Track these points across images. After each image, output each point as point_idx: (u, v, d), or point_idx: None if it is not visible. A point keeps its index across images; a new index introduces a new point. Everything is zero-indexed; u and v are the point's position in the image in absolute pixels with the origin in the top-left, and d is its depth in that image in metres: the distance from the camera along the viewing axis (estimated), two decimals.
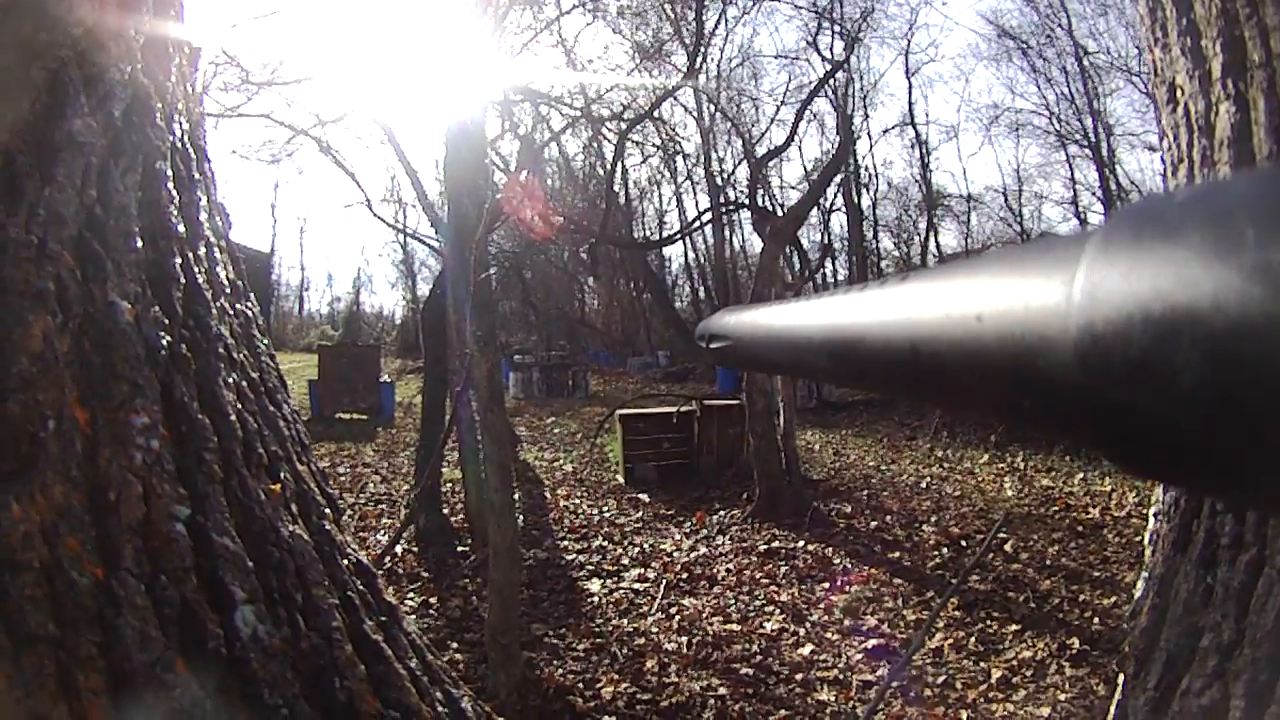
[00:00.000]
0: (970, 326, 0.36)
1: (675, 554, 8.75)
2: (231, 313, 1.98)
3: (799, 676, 5.71)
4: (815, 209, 28.89)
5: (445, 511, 9.72)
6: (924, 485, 11.57)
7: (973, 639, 6.15)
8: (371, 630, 1.81)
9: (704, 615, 6.86)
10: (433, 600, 7.28)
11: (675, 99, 26.69)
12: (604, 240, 14.52)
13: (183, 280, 1.78)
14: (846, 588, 7.47)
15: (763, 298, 10.20)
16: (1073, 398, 0.31)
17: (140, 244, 1.68)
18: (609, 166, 25.48)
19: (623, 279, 41.27)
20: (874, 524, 9.63)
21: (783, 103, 34.54)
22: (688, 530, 9.74)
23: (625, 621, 6.78)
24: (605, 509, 10.91)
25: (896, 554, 8.52)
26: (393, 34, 13.22)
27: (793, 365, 0.68)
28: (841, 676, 5.71)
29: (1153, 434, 0.29)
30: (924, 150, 37.32)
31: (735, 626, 6.60)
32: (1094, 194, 33.64)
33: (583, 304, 45.16)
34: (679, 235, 26.48)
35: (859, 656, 6.02)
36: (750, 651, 6.09)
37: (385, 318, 55.61)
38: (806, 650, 6.11)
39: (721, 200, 31.94)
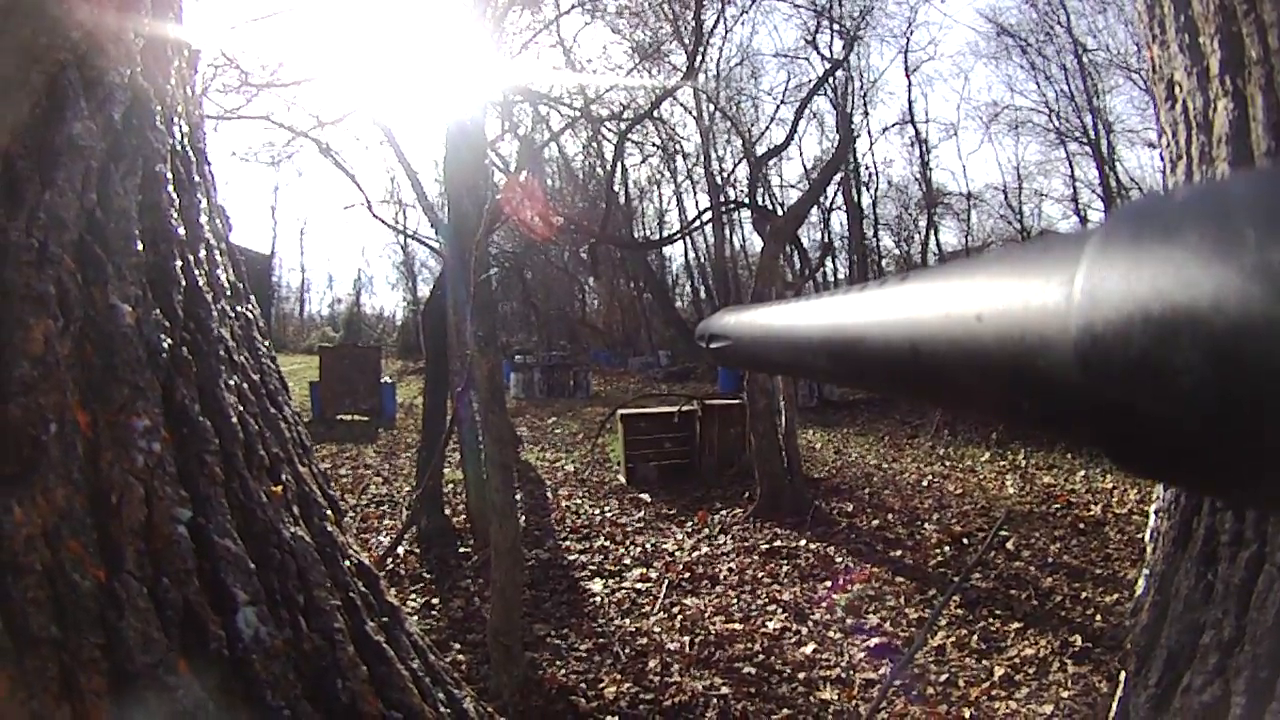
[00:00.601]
0: (970, 326, 0.36)
1: (677, 553, 8.75)
2: (232, 315, 1.98)
3: (801, 675, 5.71)
4: (815, 208, 28.91)
5: (447, 512, 9.72)
6: (925, 483, 11.57)
7: (975, 637, 6.15)
8: (373, 631, 1.81)
9: (706, 614, 6.87)
10: (435, 601, 7.29)
11: (675, 98, 26.69)
12: (604, 240, 14.54)
13: (183, 283, 1.78)
14: (848, 586, 7.47)
15: (763, 297, 10.21)
16: (1073, 398, 0.31)
17: (141, 247, 1.69)
18: (609, 166, 25.47)
19: (623, 279, 41.28)
20: (876, 522, 9.64)
21: (782, 101, 34.57)
22: (689, 530, 9.74)
23: (628, 621, 6.78)
24: (607, 509, 10.91)
25: (898, 552, 8.51)
26: (392, 35, 13.24)
27: (793, 365, 0.68)
28: (844, 675, 5.71)
29: (1153, 434, 0.29)
30: (924, 148, 37.31)
31: (737, 626, 6.60)
32: (1094, 191, 33.65)
33: (583, 304, 45.17)
34: (679, 235, 26.50)
35: (861, 655, 6.02)
36: (753, 650, 6.09)
37: (386, 319, 55.61)
38: (809, 649, 6.12)
39: (721, 199, 31.93)
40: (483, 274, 5.74)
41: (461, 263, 6.98)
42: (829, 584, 7.57)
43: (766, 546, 8.81)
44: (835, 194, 35.43)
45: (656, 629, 6.56)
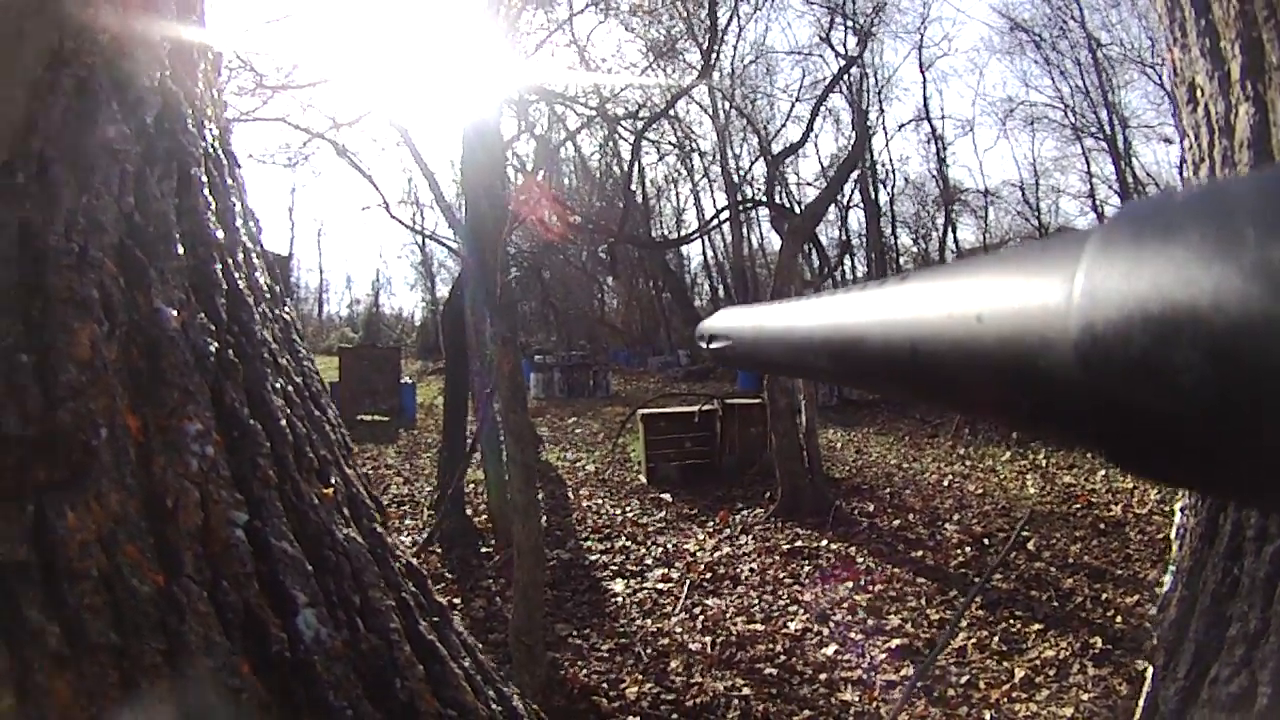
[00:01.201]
0: (970, 326, 0.36)
1: (698, 554, 8.76)
2: (272, 317, 1.98)
3: (823, 676, 5.71)
4: (833, 205, 28.89)
5: (468, 512, 9.74)
6: (946, 483, 11.53)
7: (996, 638, 6.13)
8: (426, 631, 1.82)
9: (728, 615, 6.87)
10: (456, 601, 7.31)
11: (690, 97, 26.64)
12: (622, 240, 14.56)
13: (225, 286, 1.79)
14: (870, 587, 7.45)
15: (782, 296, 10.17)
16: (1073, 398, 0.31)
17: (181, 251, 1.69)
18: (626, 165, 25.44)
19: (642, 278, 41.28)
20: (896, 523, 9.62)
21: (797, 99, 34.46)
22: (710, 530, 9.74)
23: (649, 621, 6.79)
24: (628, 509, 10.93)
25: (919, 553, 8.50)
26: (408, 36, 13.25)
27: (792, 365, 0.68)
28: (865, 676, 5.70)
29: (1153, 434, 0.29)
30: (940, 145, 37.27)
31: (759, 626, 6.60)
32: (1110, 187, 33.58)
33: (602, 303, 45.19)
34: (697, 234, 26.47)
35: (883, 656, 6.01)
36: (774, 651, 6.09)
37: (405, 319, 55.70)
38: (830, 650, 6.11)
39: (739, 198, 31.88)
40: (504, 276, 5.76)
41: (480, 263, 7.00)
42: (850, 584, 7.56)
43: (787, 546, 8.81)
44: (852, 192, 35.45)
45: (678, 629, 6.57)
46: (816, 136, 36.85)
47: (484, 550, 8.87)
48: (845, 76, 27.87)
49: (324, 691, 1.52)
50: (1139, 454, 0.30)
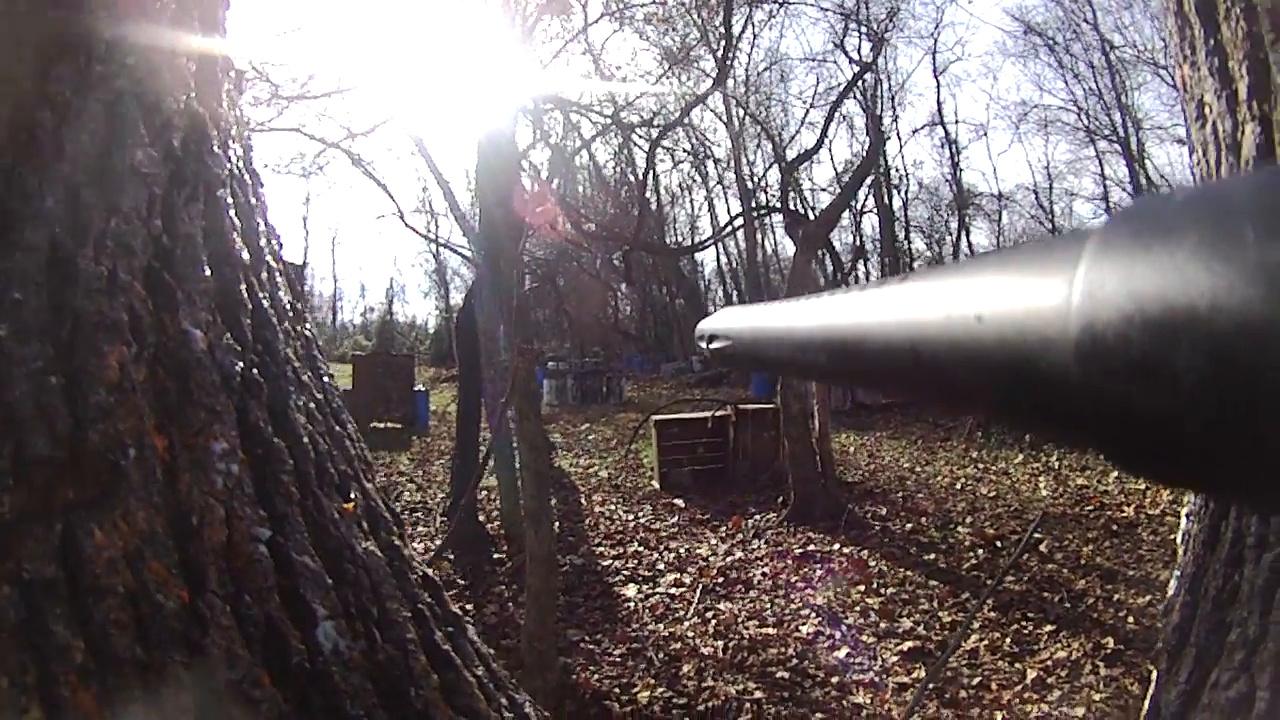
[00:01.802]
0: (970, 327, 0.37)
1: (711, 558, 8.75)
2: (294, 335, 2.00)
3: (835, 680, 5.70)
4: (847, 211, 28.83)
5: (480, 519, 9.75)
6: (959, 486, 11.51)
7: (1008, 640, 6.12)
8: (441, 640, 1.82)
9: (740, 619, 6.86)
10: (469, 607, 7.32)
11: (705, 104, 26.67)
12: (638, 247, 14.56)
13: (250, 306, 1.80)
14: (882, 590, 7.44)
15: None
16: (1073, 398, 0.31)
17: (208, 272, 1.71)
18: (640, 174, 25.49)
19: (656, 285, 41.34)
20: (909, 526, 9.59)
21: (811, 105, 34.54)
22: (723, 535, 9.73)
23: (661, 626, 6.79)
24: (641, 514, 10.92)
25: (932, 555, 8.48)
26: (423, 46, 13.30)
27: (792, 365, 0.68)
28: (877, 679, 5.69)
29: (1153, 435, 0.29)
30: (954, 149, 37.17)
31: (771, 630, 6.59)
32: (1124, 189, 33.43)
33: (616, 310, 45.20)
34: (711, 241, 26.54)
35: (895, 659, 6.00)
36: (786, 655, 6.08)
37: (419, 327, 55.67)
38: (842, 653, 6.10)
39: (753, 204, 31.91)
40: (520, 286, 5.77)
41: (494, 270, 7.02)
42: (862, 588, 7.55)
43: (800, 551, 8.80)
44: (866, 197, 35.36)
45: (690, 634, 6.57)
46: (830, 142, 36.72)
47: (496, 557, 8.89)
48: (859, 82, 27.88)
49: (341, 701, 1.53)
50: (1139, 455, 0.30)
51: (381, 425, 19.11)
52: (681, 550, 9.11)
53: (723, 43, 13.64)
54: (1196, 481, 0.30)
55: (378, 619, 1.70)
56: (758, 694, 5.46)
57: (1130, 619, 6.38)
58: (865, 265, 37.89)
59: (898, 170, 37.71)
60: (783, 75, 37.40)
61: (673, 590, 7.76)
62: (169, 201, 1.69)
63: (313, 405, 1.89)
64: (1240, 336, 0.24)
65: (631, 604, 7.42)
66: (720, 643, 6.33)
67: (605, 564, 8.67)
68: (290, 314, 2.03)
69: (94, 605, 1.32)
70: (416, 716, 1.65)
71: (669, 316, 41.91)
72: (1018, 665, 5.73)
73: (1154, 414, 0.28)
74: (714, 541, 9.45)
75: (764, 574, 8.13)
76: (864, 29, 29.08)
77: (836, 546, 8.86)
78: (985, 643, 6.10)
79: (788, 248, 24.67)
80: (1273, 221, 0.25)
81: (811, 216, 17.09)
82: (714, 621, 6.82)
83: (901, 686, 5.56)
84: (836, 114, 23.30)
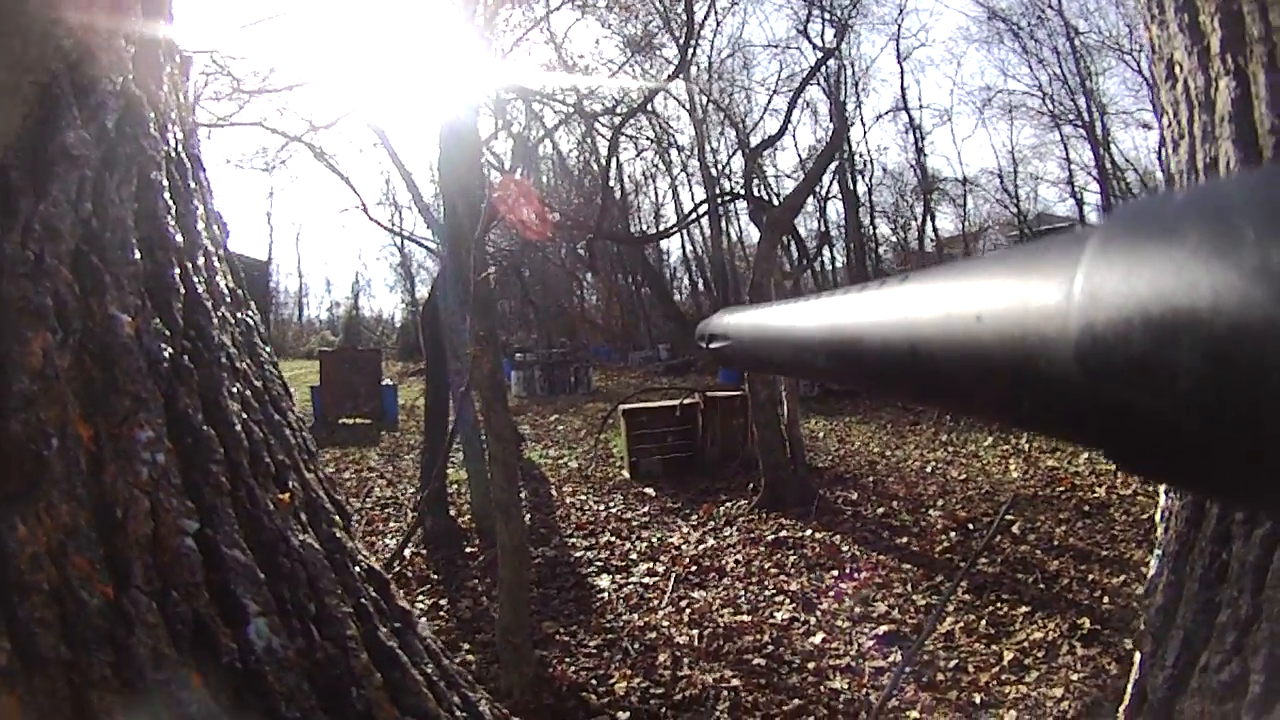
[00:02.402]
0: (970, 327, 0.36)
1: (683, 547, 8.75)
2: (233, 321, 1.96)
3: (811, 665, 5.72)
4: (811, 197, 28.92)
5: (451, 513, 9.72)
6: (929, 470, 11.57)
7: (983, 622, 6.16)
8: (386, 637, 1.80)
9: (714, 607, 6.88)
10: (442, 602, 7.30)
11: (667, 91, 26.67)
12: (601, 236, 14.52)
13: (182, 291, 1.77)
14: (855, 575, 7.47)
15: (761, 288, 10.22)
16: (1073, 398, 0.31)
17: (138, 256, 1.67)
18: (604, 162, 25.43)
19: (621, 274, 41.29)
20: (880, 510, 9.64)
21: (775, 92, 34.66)
22: (695, 523, 9.74)
23: (636, 616, 6.79)
24: (612, 504, 10.91)
25: (904, 539, 8.53)
26: (383, 37, 13.23)
27: (793, 365, 0.68)
28: (853, 664, 5.72)
29: (1152, 434, 0.29)
30: (918, 135, 37.46)
31: (746, 617, 6.61)
32: (1089, 173, 33.80)
33: (582, 300, 45.14)
34: (676, 229, 26.61)
35: (870, 643, 6.02)
36: (761, 642, 6.10)
37: (385, 321, 55.45)
38: (818, 639, 6.13)
39: (717, 191, 31.94)
40: (481, 273, 5.74)
41: (458, 262, 6.99)
42: (836, 573, 7.58)
43: (772, 537, 8.82)
44: (831, 183, 35.47)
45: (665, 623, 6.57)
46: (794, 129, 36.78)
47: (469, 550, 8.85)
48: (822, 68, 27.98)
49: (276, 702, 1.50)
50: (1138, 454, 0.31)
51: (350, 421, 19.00)
52: (654, 539, 9.11)
53: (685, 30, 13.62)
54: (1196, 482, 0.30)
55: (315, 615, 1.67)
56: (734, 681, 5.47)
57: (1105, 599, 6.44)
58: (830, 251, 38.06)
59: (862, 156, 37.91)
60: (746, 62, 37.55)
61: (646, 580, 7.76)
62: (100, 184, 1.65)
63: (249, 393, 1.86)
64: (1240, 337, 0.24)
65: (605, 595, 7.41)
66: (695, 631, 6.34)
67: (578, 555, 8.66)
68: (229, 299, 2.00)
69: (19, 603, 1.29)
70: (358, 717, 1.63)
71: (635, 305, 41.91)
72: (994, 647, 5.77)
73: (1153, 414, 0.28)
74: (686, 530, 9.45)
75: (737, 561, 8.14)
76: (827, 15, 29.20)
77: (809, 532, 8.88)
78: (961, 625, 6.14)
79: (752, 235, 24.76)
80: (1273, 221, 0.24)
81: (776, 203, 17.07)
82: (688, 610, 6.83)
83: (878, 670, 5.59)
84: (800, 100, 23.46)
